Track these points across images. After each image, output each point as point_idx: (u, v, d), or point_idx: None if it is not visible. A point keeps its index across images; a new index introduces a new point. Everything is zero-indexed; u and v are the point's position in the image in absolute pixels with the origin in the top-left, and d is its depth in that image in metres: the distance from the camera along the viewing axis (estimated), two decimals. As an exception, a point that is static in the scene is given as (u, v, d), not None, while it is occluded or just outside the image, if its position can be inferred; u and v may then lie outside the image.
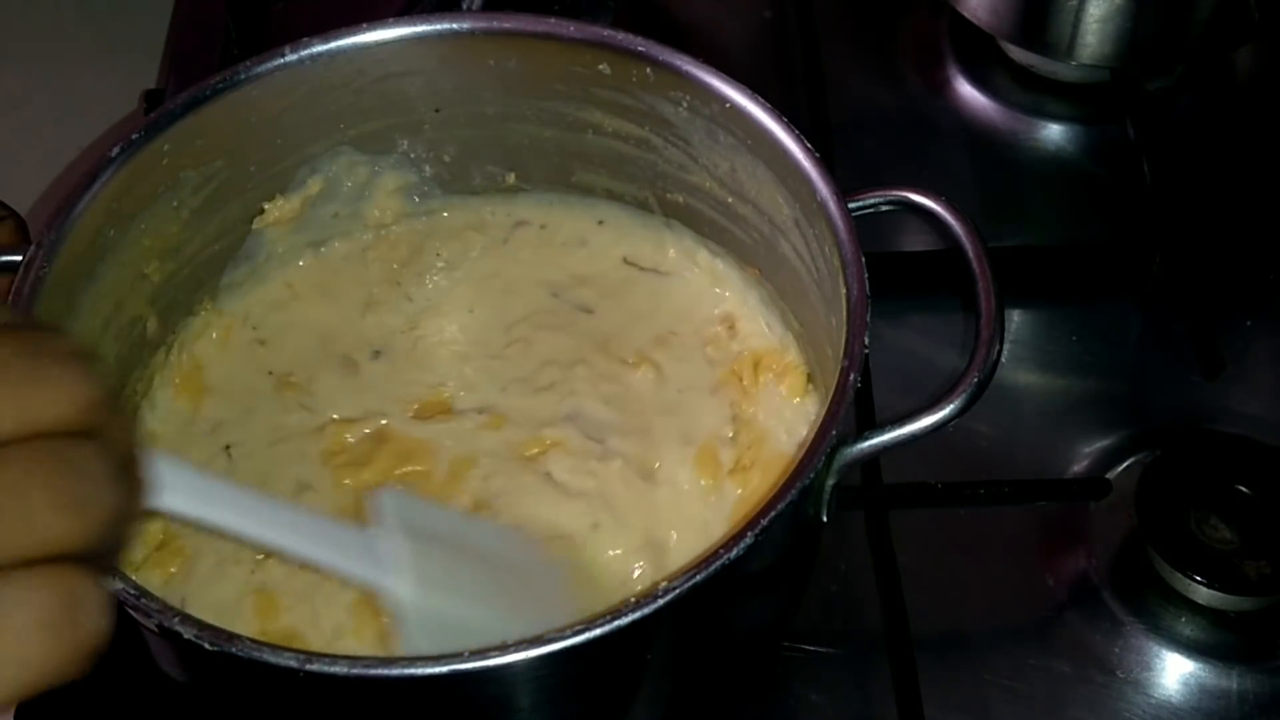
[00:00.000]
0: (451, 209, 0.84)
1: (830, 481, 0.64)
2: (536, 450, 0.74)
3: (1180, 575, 0.75)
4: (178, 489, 0.52)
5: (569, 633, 0.55)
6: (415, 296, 0.82)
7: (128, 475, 0.43)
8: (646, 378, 0.76)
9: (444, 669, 0.55)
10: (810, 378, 0.75)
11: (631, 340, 0.78)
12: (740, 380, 0.76)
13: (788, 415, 0.74)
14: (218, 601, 0.70)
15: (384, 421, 0.76)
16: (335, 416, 0.77)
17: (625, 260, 0.82)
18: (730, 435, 0.74)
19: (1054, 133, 1.00)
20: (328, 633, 0.68)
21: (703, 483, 0.72)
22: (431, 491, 0.73)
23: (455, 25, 0.77)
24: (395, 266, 0.83)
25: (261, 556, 0.70)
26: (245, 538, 0.58)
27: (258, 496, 0.59)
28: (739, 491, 0.72)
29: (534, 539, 0.71)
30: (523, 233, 0.84)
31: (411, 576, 0.61)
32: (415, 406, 0.77)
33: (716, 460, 0.73)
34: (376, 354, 0.80)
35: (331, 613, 0.69)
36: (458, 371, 0.79)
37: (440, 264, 0.83)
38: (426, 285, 0.82)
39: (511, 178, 0.84)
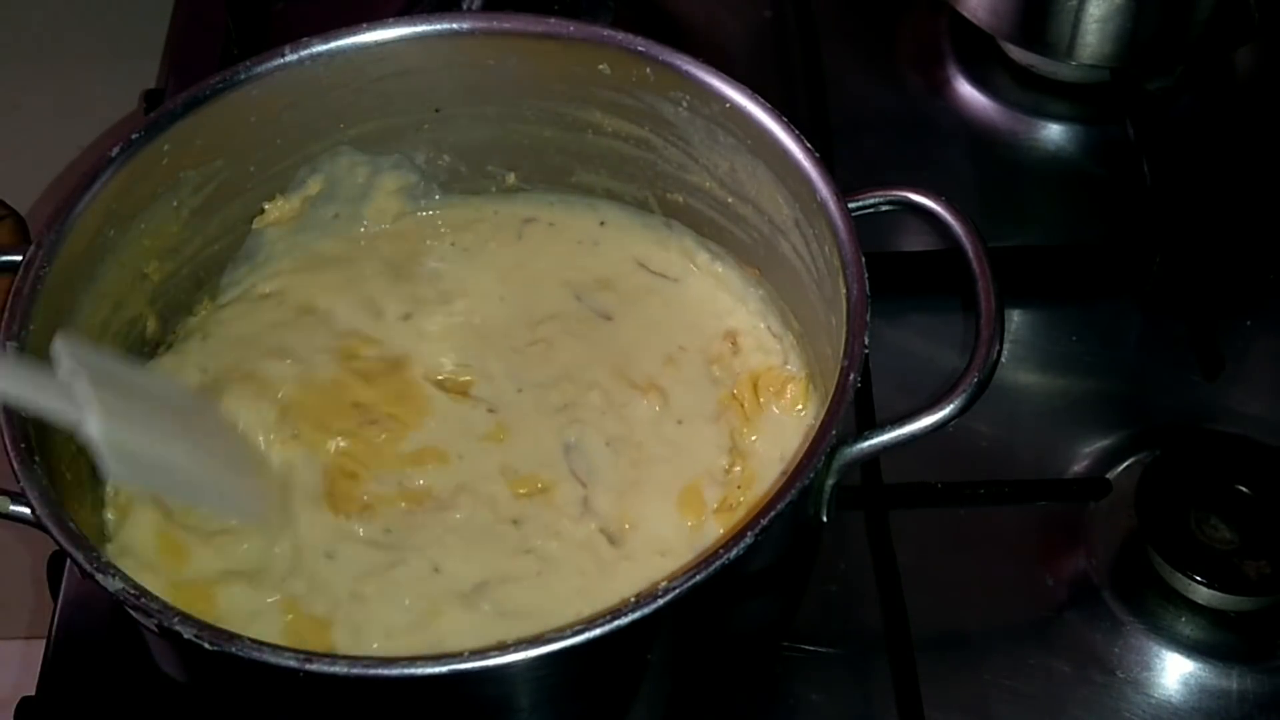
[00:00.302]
0: (452, 209, 0.84)
1: (830, 481, 0.64)
2: (523, 491, 0.73)
3: (1180, 575, 0.75)
4: None
5: (569, 633, 0.55)
6: (428, 284, 0.82)
7: None
8: (652, 408, 0.75)
9: (444, 669, 0.55)
10: (810, 379, 0.75)
11: (644, 359, 0.77)
12: (742, 405, 0.75)
13: (786, 437, 0.73)
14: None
15: (410, 365, 0.77)
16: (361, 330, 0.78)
17: (638, 263, 0.82)
18: (725, 467, 0.73)
19: (1054, 133, 1.00)
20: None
21: (688, 523, 0.71)
22: (383, 450, 0.74)
23: (455, 25, 0.77)
24: (400, 260, 0.83)
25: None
26: None
27: None
28: (720, 531, 0.71)
29: (208, 402, 0.74)
30: (534, 229, 0.84)
31: (100, 412, 0.63)
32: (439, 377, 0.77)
33: (701, 500, 0.72)
34: (407, 316, 0.80)
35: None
36: (480, 356, 0.78)
37: (455, 250, 0.83)
38: (442, 271, 0.82)
39: (512, 178, 0.84)
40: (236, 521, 0.71)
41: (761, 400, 0.75)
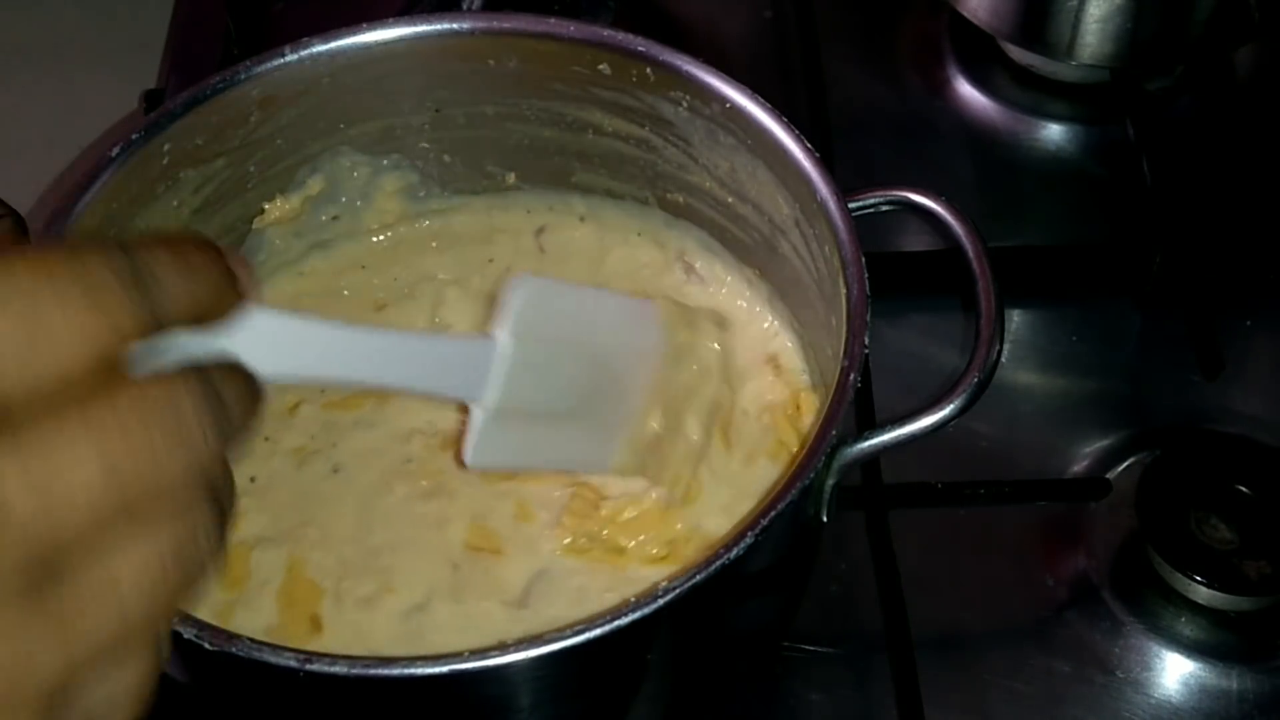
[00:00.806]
0: (452, 209, 0.84)
1: (830, 481, 0.64)
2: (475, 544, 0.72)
3: (1180, 575, 0.75)
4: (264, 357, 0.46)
5: (569, 633, 0.55)
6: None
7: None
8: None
9: (444, 669, 0.55)
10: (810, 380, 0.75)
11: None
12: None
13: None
14: None
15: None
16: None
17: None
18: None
19: (1054, 133, 1.00)
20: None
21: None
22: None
23: (455, 25, 0.77)
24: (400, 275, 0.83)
25: None
26: (338, 382, 0.59)
27: (344, 331, 0.53)
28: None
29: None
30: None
31: (499, 397, 0.60)
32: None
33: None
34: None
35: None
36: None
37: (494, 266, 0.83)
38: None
39: (511, 178, 0.84)
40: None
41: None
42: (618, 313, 0.69)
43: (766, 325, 0.78)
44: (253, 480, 0.74)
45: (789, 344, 0.77)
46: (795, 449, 0.73)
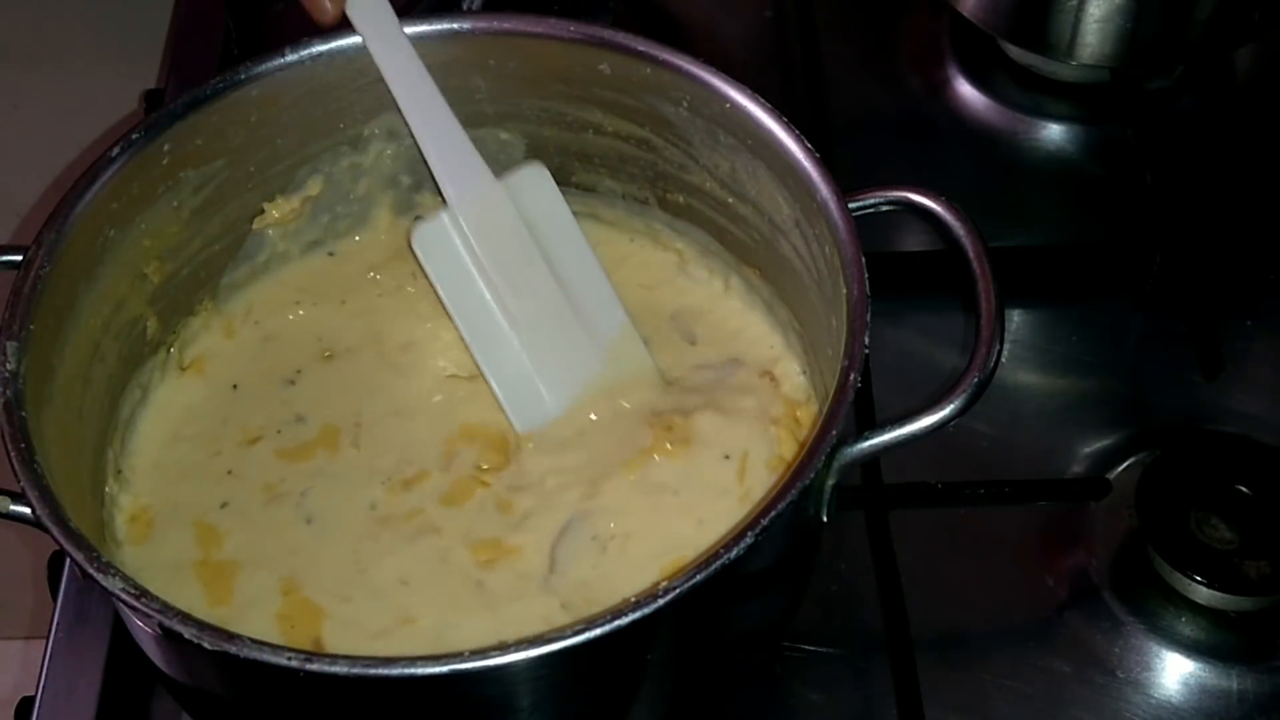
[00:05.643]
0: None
1: (830, 481, 0.64)
2: (485, 558, 0.72)
3: (1180, 575, 0.75)
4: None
5: (569, 633, 0.55)
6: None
7: None
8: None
9: (444, 669, 0.55)
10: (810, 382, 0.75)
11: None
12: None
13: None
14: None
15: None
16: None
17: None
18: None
19: (1054, 133, 1.00)
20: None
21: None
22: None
23: (455, 25, 0.77)
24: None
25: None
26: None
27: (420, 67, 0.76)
28: None
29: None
30: None
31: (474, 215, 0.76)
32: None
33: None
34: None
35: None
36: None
37: None
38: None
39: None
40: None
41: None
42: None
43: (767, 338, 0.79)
44: (224, 506, 0.74)
45: (788, 356, 0.78)
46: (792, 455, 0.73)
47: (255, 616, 0.69)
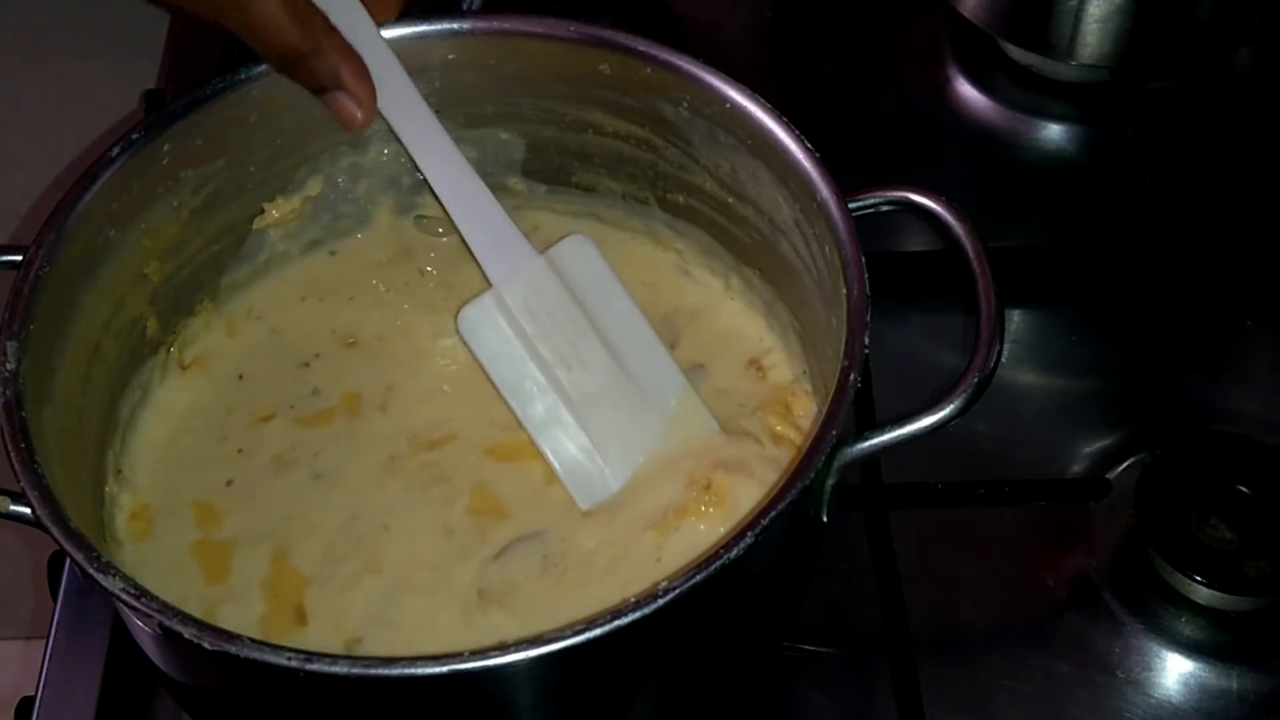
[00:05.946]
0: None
1: (830, 481, 0.64)
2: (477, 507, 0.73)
3: (1180, 575, 0.75)
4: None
5: (569, 633, 0.55)
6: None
7: None
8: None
9: (444, 669, 0.55)
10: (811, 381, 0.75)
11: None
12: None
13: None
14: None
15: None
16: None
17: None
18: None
19: (1054, 133, 1.00)
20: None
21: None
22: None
23: (455, 25, 0.77)
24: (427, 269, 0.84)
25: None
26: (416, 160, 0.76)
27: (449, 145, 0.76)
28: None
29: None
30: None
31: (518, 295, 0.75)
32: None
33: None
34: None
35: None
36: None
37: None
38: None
39: (512, 178, 0.84)
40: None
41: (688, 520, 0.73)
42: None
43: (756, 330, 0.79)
44: (229, 484, 0.74)
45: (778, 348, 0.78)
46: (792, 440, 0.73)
47: (242, 588, 0.70)
